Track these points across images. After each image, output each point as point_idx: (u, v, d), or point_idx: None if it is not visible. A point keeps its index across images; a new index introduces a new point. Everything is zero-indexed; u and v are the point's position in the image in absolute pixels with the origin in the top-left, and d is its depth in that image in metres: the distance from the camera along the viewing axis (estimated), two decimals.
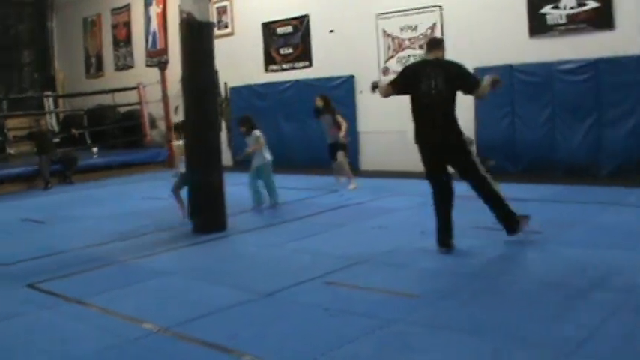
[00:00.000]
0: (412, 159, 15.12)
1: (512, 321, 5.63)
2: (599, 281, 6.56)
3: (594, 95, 13.04)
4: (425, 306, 6.14)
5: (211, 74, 10.52)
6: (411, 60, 15.39)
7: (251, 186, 11.84)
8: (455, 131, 8.38)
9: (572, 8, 13.31)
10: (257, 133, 11.99)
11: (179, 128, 11.58)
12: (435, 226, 8.35)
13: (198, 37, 10.16)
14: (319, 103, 14.12)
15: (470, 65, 12.82)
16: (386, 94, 8.73)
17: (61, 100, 24.83)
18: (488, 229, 8.72)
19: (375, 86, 8.92)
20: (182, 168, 10.82)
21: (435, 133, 8.33)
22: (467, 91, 8.55)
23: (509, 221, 8.36)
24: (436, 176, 8.52)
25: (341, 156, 13.89)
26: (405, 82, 8.54)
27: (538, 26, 13.79)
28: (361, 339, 5.42)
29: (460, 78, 8.39)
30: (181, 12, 10.24)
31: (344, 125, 13.89)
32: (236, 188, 12.37)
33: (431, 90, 8.24)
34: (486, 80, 8.36)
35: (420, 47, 15.40)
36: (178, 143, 11.20)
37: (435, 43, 8.86)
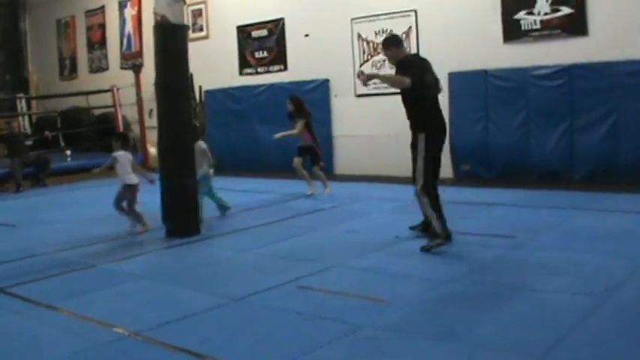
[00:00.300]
0: (386, 163, 15.34)
1: (483, 326, 5.64)
2: (571, 286, 6.60)
3: (568, 101, 13.10)
4: (396, 311, 6.15)
5: (185, 77, 10.48)
6: (386, 64, 15.46)
7: (204, 195, 11.17)
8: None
9: (546, 14, 13.38)
10: (202, 145, 11.23)
11: (121, 139, 11.42)
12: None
13: (173, 40, 10.13)
14: (290, 107, 13.62)
15: (445, 70, 13.00)
16: (402, 86, 8.52)
17: (34, 102, 24.71)
18: (460, 233, 8.75)
19: (367, 77, 8.77)
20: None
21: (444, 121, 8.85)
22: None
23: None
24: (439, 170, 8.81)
25: (296, 162, 13.43)
26: (419, 73, 8.53)
27: (512, 32, 13.85)
28: (333, 344, 5.42)
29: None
30: (155, 15, 10.20)
31: (295, 130, 13.43)
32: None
33: (433, 81, 8.79)
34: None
35: None
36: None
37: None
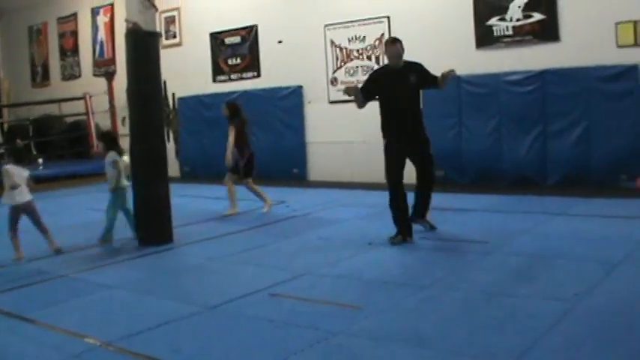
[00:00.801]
0: (360, 170, 15.36)
1: (456, 332, 5.65)
2: (543, 291, 6.63)
3: (540, 106, 13.19)
4: (369, 317, 6.14)
5: (157, 84, 10.44)
6: (359, 71, 15.52)
7: (117, 210, 10.41)
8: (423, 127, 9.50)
9: (518, 20, 13.46)
10: (112, 155, 10.38)
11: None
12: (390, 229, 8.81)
13: (144, 47, 10.09)
14: (224, 112, 12.57)
15: None
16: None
17: (5, 110, 24.55)
18: (434, 239, 8.77)
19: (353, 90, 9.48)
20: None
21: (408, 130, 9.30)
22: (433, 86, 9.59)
23: (427, 208, 9.70)
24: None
25: (228, 178, 12.39)
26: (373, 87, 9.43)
27: (485, 38, 13.94)
28: (306, 351, 5.41)
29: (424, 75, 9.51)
30: (127, 22, 10.16)
31: (229, 140, 12.14)
32: (183, 200, 12.31)
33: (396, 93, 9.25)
34: None
35: (368, 58, 15.50)
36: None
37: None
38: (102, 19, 21.66)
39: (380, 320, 6.08)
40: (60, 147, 21.49)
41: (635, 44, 12.25)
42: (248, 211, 12.51)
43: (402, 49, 9.45)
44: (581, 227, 9.64)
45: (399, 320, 6.09)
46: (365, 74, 15.12)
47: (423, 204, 9.64)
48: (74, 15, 22.79)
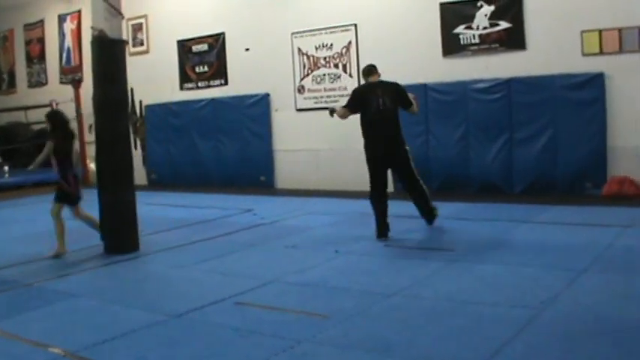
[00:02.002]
0: (328, 177, 15.37)
1: (421, 340, 5.66)
2: (508, 299, 6.64)
3: (507, 114, 13.27)
4: (335, 326, 6.13)
5: (123, 92, 10.36)
6: (327, 78, 15.54)
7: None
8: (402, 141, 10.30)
9: (484, 28, 13.54)
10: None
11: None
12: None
13: (110, 54, 10.03)
14: (47, 125, 10.51)
15: None
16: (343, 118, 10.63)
17: None
18: (400, 247, 8.79)
19: (332, 111, 10.65)
20: None
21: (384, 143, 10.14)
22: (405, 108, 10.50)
23: (431, 214, 10.45)
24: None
25: (53, 210, 10.21)
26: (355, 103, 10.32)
27: (451, 46, 14.00)
28: None
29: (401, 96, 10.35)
30: (93, 29, 10.11)
31: (42, 155, 10.27)
32: (150, 208, 12.24)
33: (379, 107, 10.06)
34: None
35: (335, 66, 15.52)
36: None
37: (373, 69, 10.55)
38: (69, 26, 21.51)
39: (346, 328, 6.07)
40: (26, 155, 21.24)
41: (601, 52, 12.38)
42: (216, 219, 12.47)
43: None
44: (546, 235, 9.71)
45: (365, 328, 6.08)
46: (332, 82, 15.23)
47: (422, 204, 10.46)
48: (41, 22, 22.61)
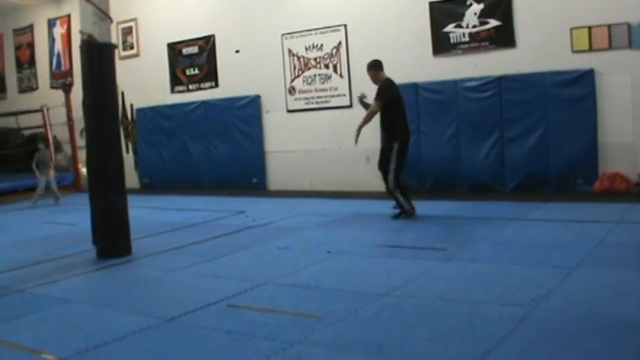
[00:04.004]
0: (319, 178, 15.36)
1: (414, 340, 5.65)
2: (500, 297, 6.64)
3: (498, 112, 13.30)
4: (327, 327, 6.11)
5: (113, 96, 10.33)
6: (317, 79, 15.53)
7: None
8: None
9: (474, 27, 13.56)
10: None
11: None
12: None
13: (99, 58, 10.00)
14: None
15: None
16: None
17: None
18: (393, 247, 8.78)
19: (363, 97, 11.68)
20: None
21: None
22: None
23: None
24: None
25: None
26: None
27: (442, 45, 14.03)
28: None
29: None
30: (82, 34, 10.07)
31: None
32: (142, 211, 12.22)
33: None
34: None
35: (326, 66, 15.51)
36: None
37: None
38: (58, 30, 21.48)
39: (338, 329, 6.06)
40: (17, 160, 21.28)
41: (590, 49, 12.41)
42: (208, 222, 12.46)
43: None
44: (538, 232, 9.73)
45: (358, 329, 6.07)
46: (323, 82, 15.22)
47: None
48: (30, 27, 22.56)
